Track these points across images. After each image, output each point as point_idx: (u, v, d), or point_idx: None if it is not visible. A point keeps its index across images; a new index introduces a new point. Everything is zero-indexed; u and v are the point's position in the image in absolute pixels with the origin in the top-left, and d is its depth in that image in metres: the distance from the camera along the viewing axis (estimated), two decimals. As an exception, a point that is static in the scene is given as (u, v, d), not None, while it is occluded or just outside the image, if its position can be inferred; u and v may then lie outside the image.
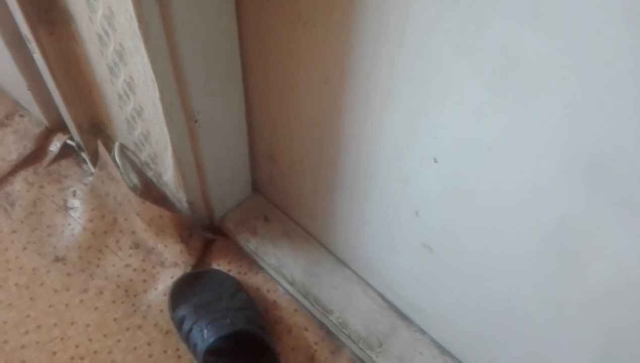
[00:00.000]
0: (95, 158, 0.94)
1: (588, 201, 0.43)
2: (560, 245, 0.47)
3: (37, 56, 0.79)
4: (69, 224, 0.94)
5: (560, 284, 0.50)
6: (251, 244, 0.88)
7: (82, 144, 0.94)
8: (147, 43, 0.57)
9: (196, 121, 0.69)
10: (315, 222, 0.85)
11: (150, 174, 0.88)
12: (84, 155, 0.98)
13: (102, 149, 0.88)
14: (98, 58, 0.71)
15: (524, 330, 0.58)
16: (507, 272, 0.55)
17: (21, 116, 1.04)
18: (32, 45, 0.77)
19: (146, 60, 0.59)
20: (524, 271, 0.53)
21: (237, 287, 0.84)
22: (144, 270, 0.89)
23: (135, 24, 0.55)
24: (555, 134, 0.42)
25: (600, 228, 0.43)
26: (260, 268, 0.89)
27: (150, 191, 0.91)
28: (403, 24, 0.46)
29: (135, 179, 0.90)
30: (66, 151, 1.02)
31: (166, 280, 0.88)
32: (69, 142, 1.00)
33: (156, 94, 0.63)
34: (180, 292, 0.83)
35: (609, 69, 0.35)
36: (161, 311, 0.85)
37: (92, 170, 0.97)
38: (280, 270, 0.85)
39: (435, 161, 0.53)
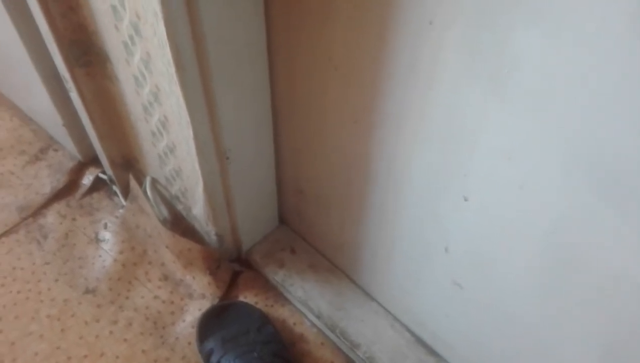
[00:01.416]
0: (126, 191, 0.96)
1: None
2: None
3: (74, 95, 0.82)
4: (100, 256, 0.96)
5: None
6: (278, 276, 0.89)
7: (114, 177, 0.97)
8: (183, 87, 0.59)
9: (227, 158, 0.71)
10: (342, 254, 0.85)
11: (180, 207, 0.90)
12: (115, 188, 1.01)
13: (133, 183, 0.90)
14: (133, 98, 0.74)
15: (554, 355, 0.58)
16: (527, 297, 0.55)
17: (55, 150, 1.08)
18: (69, 85, 0.80)
19: (181, 102, 0.61)
20: (539, 293, 0.53)
21: (264, 320, 0.85)
22: (172, 302, 0.90)
23: (172, 69, 0.57)
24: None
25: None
26: (287, 300, 0.90)
27: (179, 224, 0.93)
28: (433, 68, 0.48)
29: (165, 212, 0.92)
30: (98, 184, 1.04)
31: (194, 312, 0.89)
32: (101, 175, 1.03)
33: (190, 133, 0.65)
34: (208, 325, 0.84)
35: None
36: (189, 343, 0.86)
37: (123, 203, 1.00)
38: (306, 303, 0.85)
39: (466, 200, 0.54)
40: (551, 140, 0.43)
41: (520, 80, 0.42)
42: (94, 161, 1.03)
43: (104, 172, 1.02)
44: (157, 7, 0.52)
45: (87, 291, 0.92)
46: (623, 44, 0.35)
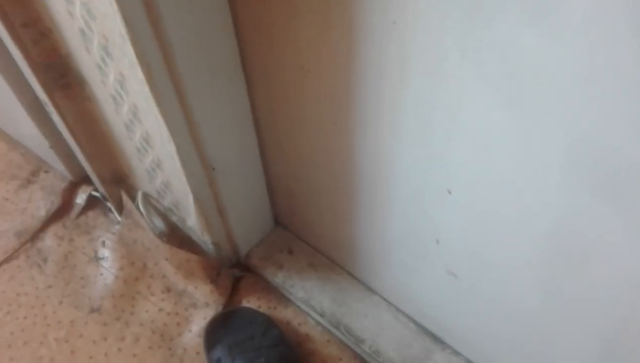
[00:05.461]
0: (120, 207, 0.96)
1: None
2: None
3: (56, 118, 0.81)
4: (101, 274, 0.96)
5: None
6: (278, 278, 0.89)
7: (106, 194, 0.97)
8: (159, 104, 0.58)
9: (213, 169, 0.71)
10: (339, 251, 0.85)
11: (174, 218, 0.90)
12: (109, 205, 1.01)
13: (126, 198, 0.91)
14: (114, 117, 0.74)
15: (547, 338, 0.58)
16: (519, 283, 0.55)
17: (46, 172, 1.08)
18: (50, 108, 0.80)
19: (160, 119, 0.61)
20: (529, 278, 0.53)
21: (269, 324, 0.85)
22: (177, 314, 0.91)
23: (146, 87, 0.57)
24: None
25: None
26: (289, 301, 0.90)
27: (176, 235, 0.93)
28: (403, 65, 0.47)
29: (160, 225, 0.92)
30: (92, 202, 1.05)
31: (199, 321, 0.89)
32: (94, 193, 1.03)
33: (173, 149, 0.65)
34: (214, 333, 0.84)
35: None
36: (197, 353, 0.86)
37: (119, 218, 1.00)
38: (309, 302, 0.85)
39: (450, 192, 0.54)
40: (528, 130, 0.42)
41: (490, 72, 0.41)
42: (86, 179, 1.03)
43: (96, 190, 1.02)
44: (122, 29, 0.51)
45: (92, 310, 0.92)
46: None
